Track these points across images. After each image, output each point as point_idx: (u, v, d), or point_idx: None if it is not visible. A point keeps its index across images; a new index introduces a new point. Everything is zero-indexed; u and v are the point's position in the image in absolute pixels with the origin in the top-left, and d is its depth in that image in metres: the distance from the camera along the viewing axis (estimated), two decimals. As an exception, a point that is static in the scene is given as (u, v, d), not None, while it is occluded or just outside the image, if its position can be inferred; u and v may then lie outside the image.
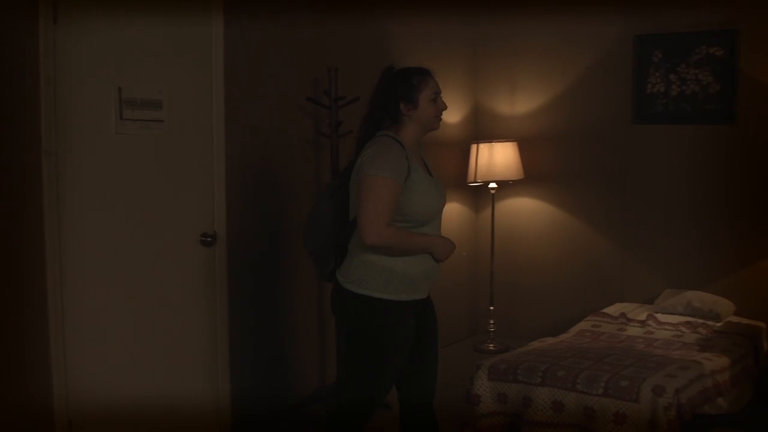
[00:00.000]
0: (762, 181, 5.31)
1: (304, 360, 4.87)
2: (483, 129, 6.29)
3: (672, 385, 3.88)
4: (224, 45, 4.09)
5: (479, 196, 6.34)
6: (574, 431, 3.99)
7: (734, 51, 5.33)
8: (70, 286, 3.56)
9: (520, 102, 6.16)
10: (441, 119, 3.27)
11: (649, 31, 5.61)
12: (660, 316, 5.21)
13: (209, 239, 4.09)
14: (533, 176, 6.04)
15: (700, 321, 5.09)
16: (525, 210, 6.19)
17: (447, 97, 6.12)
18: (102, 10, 3.60)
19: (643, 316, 5.24)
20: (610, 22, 5.74)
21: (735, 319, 5.19)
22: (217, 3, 4.07)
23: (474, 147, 5.87)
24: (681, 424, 3.85)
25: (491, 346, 5.90)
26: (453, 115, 6.08)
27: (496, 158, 5.79)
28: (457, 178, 6.09)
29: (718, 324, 5.09)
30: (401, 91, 3.15)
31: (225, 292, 4.21)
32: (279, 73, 4.59)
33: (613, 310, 5.46)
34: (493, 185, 5.92)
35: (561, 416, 4.01)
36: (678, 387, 3.90)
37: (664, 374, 4.01)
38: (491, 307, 6.01)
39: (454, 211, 6.16)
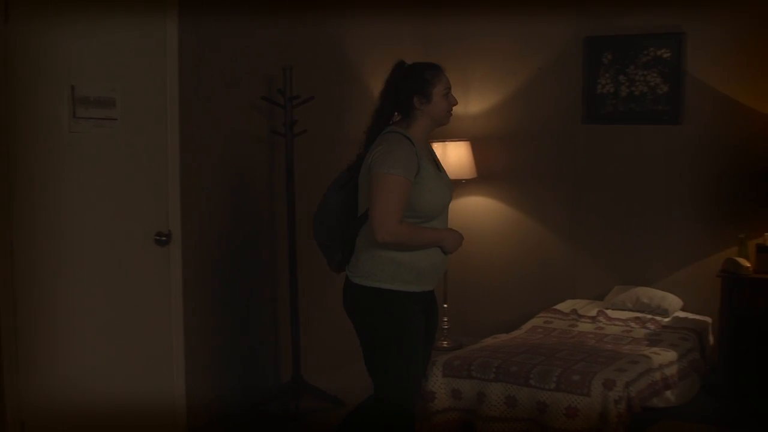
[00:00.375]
0: (708, 179, 5.45)
1: (261, 359, 4.87)
2: (437, 128, 6.32)
3: (622, 379, 3.97)
4: (178, 43, 4.08)
5: (433, 194, 6.39)
6: (527, 426, 4.07)
7: (681, 53, 5.46)
8: (22, 286, 3.53)
9: (472, 102, 6.22)
10: (452, 114, 3.32)
11: (599, 33, 5.72)
12: (610, 312, 5.31)
13: (164, 238, 4.07)
14: (486, 175, 6.11)
15: (649, 316, 5.21)
16: (478, 209, 6.25)
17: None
18: (54, 9, 3.57)
19: (593, 312, 5.34)
20: (561, 23, 5.84)
21: (682, 314, 5.32)
22: (172, 2, 4.05)
23: (428, 146, 5.92)
24: (630, 416, 3.95)
25: (445, 344, 5.95)
26: (407, 115, 6.12)
27: (450, 157, 5.84)
28: (411, 177, 6.14)
29: (666, 319, 5.21)
30: (415, 86, 3.19)
31: (180, 292, 4.19)
32: (233, 71, 4.59)
33: (564, 306, 5.55)
34: (446, 184, 5.97)
35: (514, 411, 4.08)
36: (628, 381, 3.99)
37: (614, 368, 4.10)
38: (445, 305, 6.06)
39: (408, 209, 6.21)
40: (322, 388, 4.79)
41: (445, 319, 6.04)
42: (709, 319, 5.24)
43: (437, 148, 5.86)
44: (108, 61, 3.81)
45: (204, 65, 4.36)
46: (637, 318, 5.18)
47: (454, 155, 5.85)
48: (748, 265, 4.88)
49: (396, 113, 3.25)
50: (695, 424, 4.41)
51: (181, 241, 4.17)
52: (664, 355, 4.49)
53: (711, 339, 5.20)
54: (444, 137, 6.04)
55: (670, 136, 5.55)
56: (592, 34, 5.74)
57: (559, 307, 5.54)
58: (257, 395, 4.69)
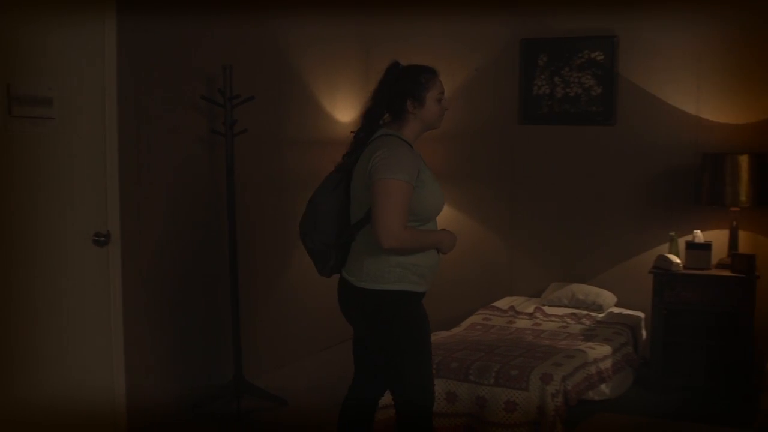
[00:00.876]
0: (639, 179, 5.61)
1: (202, 359, 4.85)
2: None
3: (559, 373, 4.07)
4: (117, 42, 4.03)
5: (373, 194, 6.43)
6: (467, 420, 4.14)
7: (614, 56, 5.61)
8: (-43, 288, 3.46)
9: (411, 102, 6.28)
10: (443, 118, 3.29)
11: (535, 36, 5.84)
12: (547, 309, 5.43)
13: (102, 239, 4.02)
14: (425, 175, 6.17)
15: (584, 312, 5.34)
16: (417, 208, 6.32)
17: (339, 98, 6.23)
18: (-11, 5, 3.51)
19: (531, 309, 5.45)
20: (498, 25, 5.94)
21: (616, 309, 5.46)
22: (110, 0, 4.01)
23: (367, 146, 5.96)
24: (567, 409, 4.05)
25: (386, 342, 5.99)
26: (346, 115, 6.15)
27: (388, 157, 5.89)
28: (351, 177, 6.17)
29: (601, 315, 5.35)
30: (409, 89, 3.15)
31: (119, 292, 4.14)
32: (173, 70, 4.56)
33: (502, 303, 5.65)
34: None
35: (454, 406, 4.15)
36: (564, 375, 4.10)
37: (551, 363, 4.20)
38: (385, 304, 6.11)
39: (348, 209, 6.24)
40: (264, 387, 4.79)
41: (386, 317, 6.08)
42: (641, 314, 5.39)
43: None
44: (45, 59, 3.75)
45: (143, 64, 4.33)
46: (573, 314, 5.31)
47: (393, 155, 5.89)
48: (679, 261, 5.04)
49: (386, 115, 3.21)
50: (629, 416, 4.53)
51: (120, 242, 4.12)
52: (599, 350, 4.62)
53: (644, 333, 5.35)
54: (383, 137, 6.09)
55: (604, 137, 5.70)
56: (528, 36, 5.86)
57: (498, 304, 5.64)
58: (199, 396, 4.67)
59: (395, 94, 3.15)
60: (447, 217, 6.19)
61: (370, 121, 3.18)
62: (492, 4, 5.91)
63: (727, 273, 4.94)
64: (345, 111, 6.15)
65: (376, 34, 6.32)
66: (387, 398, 4.25)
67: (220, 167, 4.76)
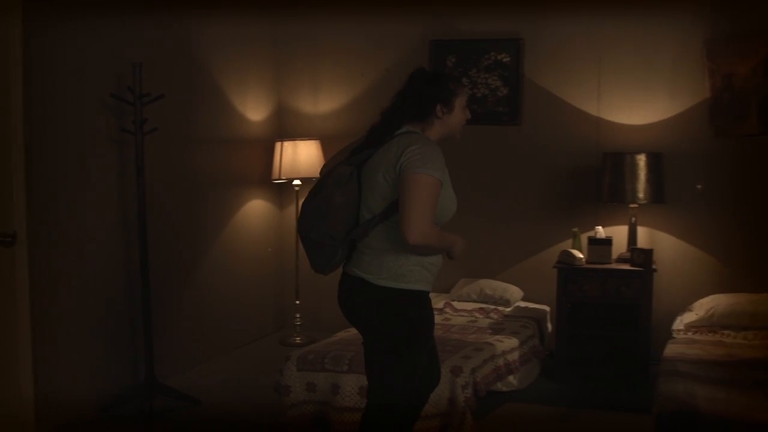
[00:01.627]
0: (544, 177, 5.80)
1: (113, 360, 4.79)
2: (286, 127, 6.40)
3: (468, 366, 4.18)
4: (23, 41, 3.95)
5: (283, 193, 6.45)
6: (381, 414, 4.20)
7: (519, 58, 5.78)
8: None
9: (322, 101, 6.33)
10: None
11: (444, 37, 5.96)
12: (456, 304, 5.55)
13: (8, 239, 3.93)
14: (336, 173, 6.22)
15: (492, 307, 5.48)
16: (329, 206, 6.36)
17: (249, 97, 6.22)
18: None
19: (440, 305, 5.56)
20: (408, 27, 6.03)
21: (522, 303, 5.63)
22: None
23: (278, 145, 5.97)
24: (476, 401, 4.16)
25: (298, 340, 6.03)
26: (257, 113, 6.16)
27: (300, 156, 5.92)
28: (262, 176, 6.18)
29: (508, 309, 5.51)
30: (441, 94, 3.14)
31: (26, 293, 4.05)
32: (81, 68, 4.48)
33: (413, 299, 5.74)
34: (297, 182, 6.05)
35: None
36: (473, 367, 4.21)
37: (460, 356, 4.31)
38: (297, 302, 6.14)
39: (258, 207, 6.24)
40: (177, 387, 4.76)
41: (298, 315, 6.11)
42: (547, 308, 5.57)
43: (288, 147, 5.93)
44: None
45: (51, 62, 4.25)
46: (481, 308, 5.44)
47: (304, 154, 5.93)
48: (581, 256, 5.23)
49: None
50: (536, 406, 4.70)
51: (26, 242, 4.04)
52: (507, 342, 4.76)
53: (549, 326, 5.53)
54: (294, 136, 6.12)
55: (510, 137, 5.87)
56: (437, 37, 5.98)
57: (408, 300, 5.72)
58: (110, 397, 4.61)
59: (426, 98, 3.13)
60: (358, 215, 6.27)
61: (394, 120, 3.15)
62: (402, 5, 6.01)
63: (626, 267, 5.16)
64: (256, 110, 6.16)
65: (286, 33, 6.34)
66: (299, 396, 4.33)
67: (130, 166, 4.70)
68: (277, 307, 6.52)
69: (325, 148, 6.11)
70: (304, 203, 3.14)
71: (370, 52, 6.17)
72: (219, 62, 5.69)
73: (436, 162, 2.99)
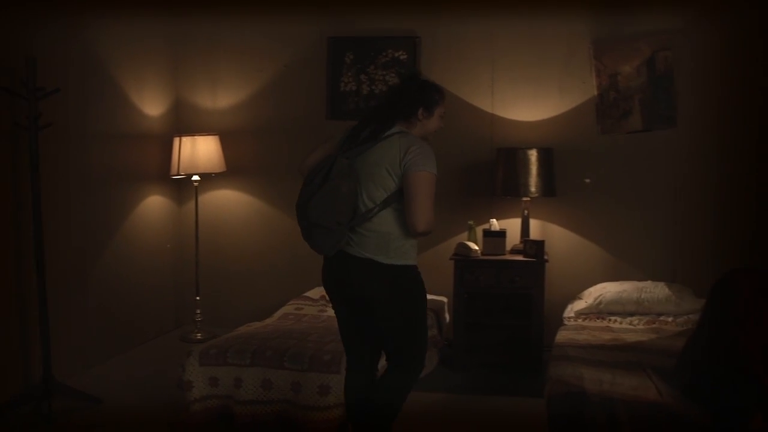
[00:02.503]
0: (441, 171, 5.91)
1: (9, 359, 4.68)
2: (185, 122, 6.35)
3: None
4: None
5: (182, 188, 6.41)
6: (284, 406, 4.27)
7: (416, 55, 5.91)
8: None
9: (221, 96, 6.31)
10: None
11: (342, 34, 6.04)
12: (356, 297, 5.64)
13: None
14: (235, 169, 6.24)
15: (392, 299, 5.58)
16: (228, 202, 6.37)
17: (146, 92, 6.15)
18: None
19: (341, 298, 5.64)
20: (306, 23, 6.08)
21: (421, 295, 5.75)
22: None
23: (177, 140, 5.93)
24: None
25: (199, 336, 6.01)
26: (154, 108, 6.10)
27: (199, 151, 5.90)
28: (160, 171, 6.13)
29: (407, 301, 5.62)
30: (425, 100, 3.58)
31: None
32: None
33: (313, 293, 5.81)
34: (196, 178, 6.03)
35: (270, 393, 4.26)
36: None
37: (362, 347, 4.40)
38: (197, 298, 6.12)
39: (157, 203, 6.18)
40: (76, 387, 4.70)
41: (198, 311, 6.09)
42: (444, 299, 5.72)
43: (187, 142, 5.90)
44: None
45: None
46: (382, 301, 5.53)
47: (203, 149, 5.91)
48: (477, 248, 5.40)
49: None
50: (436, 394, 4.83)
51: None
52: (406, 333, 4.87)
53: (447, 316, 5.68)
54: (193, 131, 6.09)
55: (408, 132, 5.98)
56: (335, 34, 6.05)
57: (309, 294, 5.80)
58: (7, 398, 4.50)
59: (413, 101, 3.56)
60: (258, 210, 6.30)
61: (388, 118, 3.54)
62: (301, 3, 6.05)
63: (520, 258, 5.36)
64: (153, 105, 6.10)
65: (183, 29, 6.29)
66: (202, 391, 4.35)
67: (24, 162, 4.61)
68: (177, 304, 6.48)
69: (224, 143, 6.10)
70: (307, 193, 3.48)
71: (268, 48, 6.19)
72: (116, 57, 5.61)
73: (433, 160, 3.49)
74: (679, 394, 3.72)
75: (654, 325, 5.02)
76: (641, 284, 5.37)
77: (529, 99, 5.80)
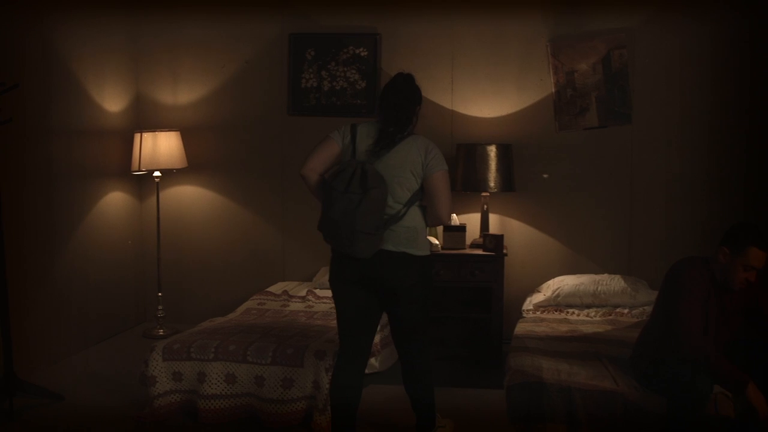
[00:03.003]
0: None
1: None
2: (145, 118, 6.35)
3: (331, 350, 4.33)
4: None
5: (143, 184, 6.41)
6: (247, 400, 4.31)
7: (377, 52, 5.97)
8: None
9: (182, 92, 6.31)
10: None
11: (303, 31, 6.08)
12: (318, 292, 5.69)
13: None
14: (197, 165, 6.25)
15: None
16: (189, 198, 6.37)
17: (107, 88, 6.12)
18: None
19: (303, 293, 5.69)
20: (267, 20, 6.11)
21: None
22: None
23: (138, 136, 5.92)
24: (340, 382, 4.32)
25: (161, 332, 6.01)
26: (115, 104, 6.08)
27: (160, 147, 5.89)
28: (121, 167, 6.12)
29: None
30: (419, 99, 3.87)
31: None
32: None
33: (276, 288, 5.85)
34: (157, 174, 6.03)
35: (234, 387, 4.30)
36: (336, 351, 4.35)
37: (324, 340, 4.46)
38: (159, 294, 6.13)
39: (118, 199, 6.17)
40: (38, 383, 4.69)
41: (160, 307, 6.09)
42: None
43: (148, 138, 5.90)
44: None
45: None
46: (343, 295, 5.59)
47: (164, 145, 5.91)
48: (438, 242, 5.48)
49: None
50: (398, 387, 4.86)
51: None
52: (368, 327, 4.93)
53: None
54: (154, 127, 6.09)
55: (369, 128, 6.03)
56: (296, 31, 6.08)
57: (271, 289, 5.83)
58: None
59: (414, 101, 3.82)
60: (220, 206, 6.32)
61: (401, 121, 3.76)
62: (262, 0, 6.08)
63: (480, 252, 5.45)
64: (113, 101, 6.08)
65: (144, 26, 6.28)
66: (165, 386, 4.37)
67: (-17, 158, 4.58)
68: (138, 300, 6.47)
69: (185, 139, 6.11)
70: (343, 202, 3.56)
71: (229, 45, 6.21)
72: (76, 53, 5.59)
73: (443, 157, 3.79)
74: (634, 383, 3.83)
75: (610, 317, 5.15)
76: (598, 277, 5.49)
77: (488, 96, 5.89)
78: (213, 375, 4.31)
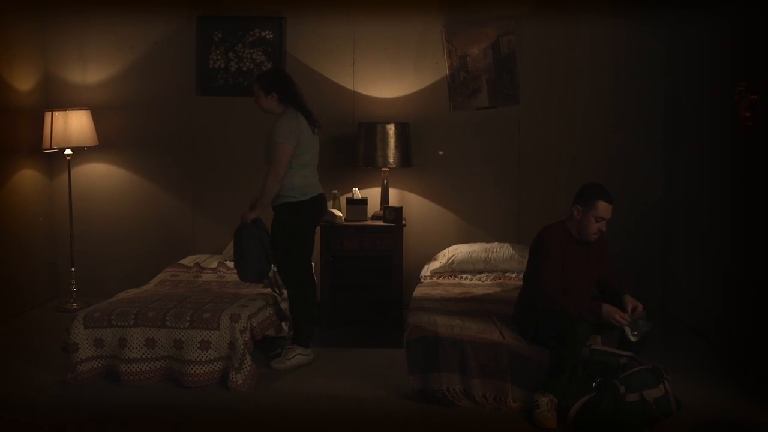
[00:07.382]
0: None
1: None
2: (56, 97, 6.43)
3: (245, 313, 4.64)
4: None
5: (54, 162, 6.51)
6: (167, 363, 4.58)
7: (282, 35, 6.25)
8: None
9: (91, 72, 6.42)
10: None
11: (211, 13, 6.29)
12: (229, 263, 5.92)
13: None
14: (107, 143, 6.40)
15: (263, 264, 5.93)
16: (101, 175, 6.51)
17: (16, 66, 6.18)
18: None
19: (214, 265, 5.96)
20: (174, 2, 6.28)
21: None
22: None
23: (48, 114, 6.03)
24: (254, 343, 4.64)
25: (74, 306, 6.17)
26: (23, 83, 6.16)
27: (71, 125, 6.02)
28: (31, 145, 6.22)
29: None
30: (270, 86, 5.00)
31: None
32: None
33: (188, 261, 6.09)
34: (68, 152, 6.17)
35: (154, 351, 4.56)
36: (250, 314, 4.67)
37: (238, 305, 4.76)
38: (72, 269, 6.28)
39: (28, 177, 6.26)
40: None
41: (73, 282, 6.25)
42: (313, 263, 6.09)
43: (59, 116, 6.01)
44: None
45: None
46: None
47: (75, 124, 6.04)
48: (341, 215, 5.83)
49: None
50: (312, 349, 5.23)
51: None
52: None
53: (315, 278, 6.06)
54: (63, 106, 6.19)
55: (275, 107, 6.31)
56: (204, 13, 6.29)
57: (184, 261, 6.07)
58: None
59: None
60: (131, 183, 6.48)
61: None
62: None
63: (380, 223, 5.82)
64: (22, 79, 6.15)
65: (53, 6, 6.35)
66: (87, 352, 4.57)
67: None
68: (51, 275, 6.59)
69: (95, 117, 6.24)
70: None
71: (137, 25, 6.34)
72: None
73: None
74: (518, 335, 4.31)
75: (500, 281, 5.63)
76: (489, 245, 5.96)
77: (387, 77, 6.25)
78: (134, 340, 4.55)
